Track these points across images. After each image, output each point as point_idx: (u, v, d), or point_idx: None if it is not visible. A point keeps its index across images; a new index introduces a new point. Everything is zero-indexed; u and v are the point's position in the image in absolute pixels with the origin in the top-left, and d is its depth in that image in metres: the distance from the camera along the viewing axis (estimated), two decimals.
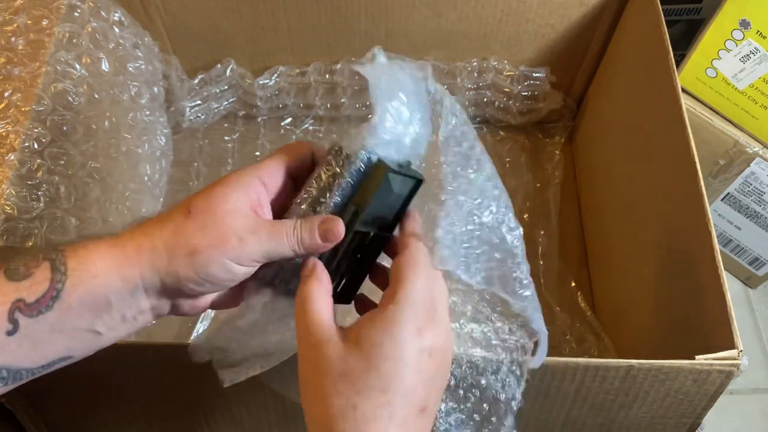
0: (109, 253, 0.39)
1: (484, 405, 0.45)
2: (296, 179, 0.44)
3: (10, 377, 0.38)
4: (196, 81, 0.88)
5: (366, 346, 0.37)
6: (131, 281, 0.39)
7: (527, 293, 0.44)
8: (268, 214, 0.42)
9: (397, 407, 0.36)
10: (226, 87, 0.89)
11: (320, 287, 0.40)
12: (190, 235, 0.39)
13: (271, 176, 0.42)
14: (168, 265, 0.39)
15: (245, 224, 0.39)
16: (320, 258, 0.42)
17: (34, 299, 0.37)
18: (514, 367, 0.45)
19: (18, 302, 0.37)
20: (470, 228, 0.44)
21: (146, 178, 0.78)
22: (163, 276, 0.39)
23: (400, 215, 0.44)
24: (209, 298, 0.44)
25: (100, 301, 0.38)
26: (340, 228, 0.41)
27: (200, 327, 0.77)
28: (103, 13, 0.71)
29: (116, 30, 0.73)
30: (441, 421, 0.44)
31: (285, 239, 0.40)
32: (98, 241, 0.39)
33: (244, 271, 0.40)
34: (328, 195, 0.41)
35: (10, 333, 0.37)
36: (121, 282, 0.39)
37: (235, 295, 0.45)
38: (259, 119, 0.95)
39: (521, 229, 0.46)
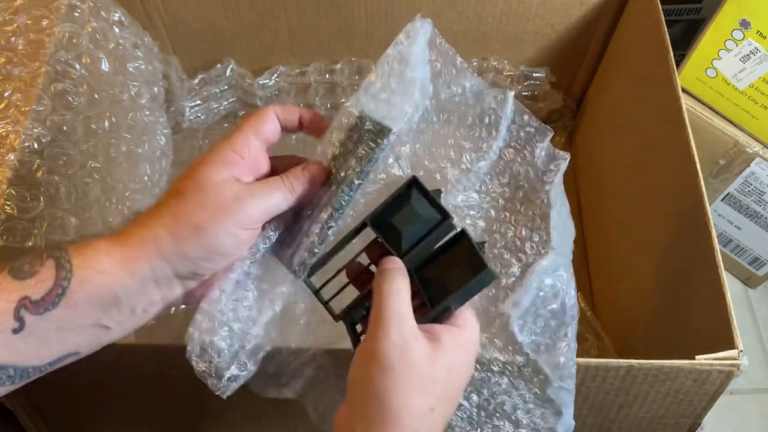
0: (113, 250, 0.39)
1: None
2: (268, 142, 0.45)
3: (17, 375, 0.38)
4: (196, 81, 0.88)
5: (452, 362, 0.40)
6: (139, 275, 0.39)
7: (568, 385, 0.45)
8: (250, 180, 0.43)
9: (451, 414, 0.41)
10: (226, 87, 0.89)
11: (406, 282, 0.41)
12: (189, 214, 0.40)
13: (243, 146, 0.43)
14: (176, 250, 0.39)
15: (237, 190, 0.41)
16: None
17: (39, 297, 0.37)
18: None
19: (24, 300, 0.37)
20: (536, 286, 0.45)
21: (146, 178, 0.78)
22: (173, 261, 0.40)
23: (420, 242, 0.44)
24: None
25: (108, 297, 0.39)
26: (320, 170, 0.44)
27: None
28: (103, 13, 0.71)
29: (116, 30, 0.73)
30: None
31: (278, 191, 0.42)
32: (100, 239, 0.40)
33: (247, 235, 0.41)
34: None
35: (16, 331, 0.37)
36: (129, 277, 0.39)
37: None
38: None
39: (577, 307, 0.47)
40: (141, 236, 0.40)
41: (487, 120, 0.49)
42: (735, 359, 0.48)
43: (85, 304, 0.38)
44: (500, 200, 0.50)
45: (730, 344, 0.48)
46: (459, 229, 0.43)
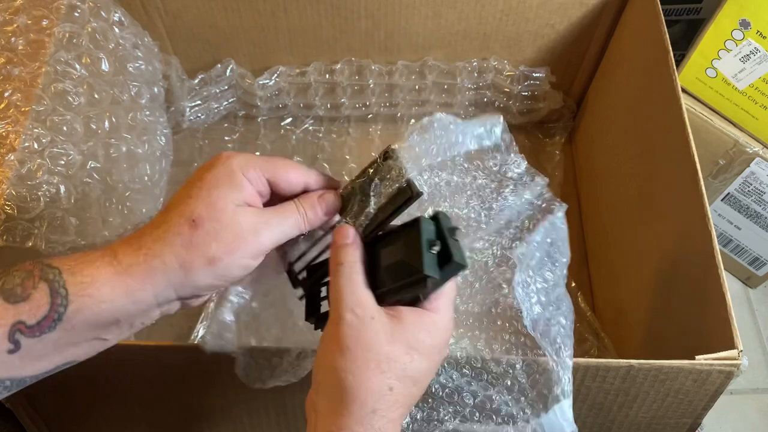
0: (116, 279, 0.38)
1: None
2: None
3: (14, 386, 0.38)
4: (196, 81, 0.88)
5: (412, 341, 0.39)
6: (143, 303, 0.39)
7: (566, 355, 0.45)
8: (260, 203, 0.43)
9: (416, 398, 0.40)
10: (226, 87, 0.89)
11: (359, 257, 0.41)
12: (204, 246, 0.39)
13: (258, 179, 0.42)
14: (185, 280, 0.39)
15: (253, 220, 0.40)
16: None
17: (35, 322, 0.37)
18: None
19: (18, 324, 0.36)
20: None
21: (146, 178, 0.78)
22: (179, 289, 0.40)
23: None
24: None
25: (108, 321, 0.39)
26: (336, 200, 0.43)
27: (200, 327, 0.77)
28: (103, 13, 0.71)
29: (116, 30, 0.73)
30: None
31: (292, 220, 0.42)
32: (97, 262, 0.38)
33: (258, 262, 0.41)
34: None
35: (11, 351, 0.36)
36: (133, 305, 0.39)
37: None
38: (259, 119, 0.95)
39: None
40: (150, 266, 0.39)
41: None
42: (735, 359, 0.48)
43: (83, 327, 0.38)
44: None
45: (730, 344, 0.48)
46: (433, 213, 0.43)
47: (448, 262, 0.40)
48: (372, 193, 0.42)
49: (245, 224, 0.40)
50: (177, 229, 0.39)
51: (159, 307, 0.40)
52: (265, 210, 0.42)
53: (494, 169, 0.48)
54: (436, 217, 0.42)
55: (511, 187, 0.48)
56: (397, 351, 0.38)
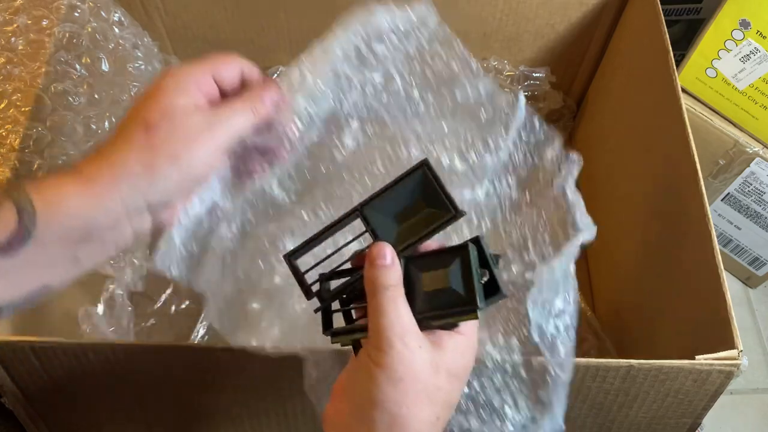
0: (82, 190, 0.39)
1: None
2: (222, 86, 0.45)
3: None
4: None
5: (452, 368, 0.39)
6: (112, 212, 0.39)
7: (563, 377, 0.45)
8: (208, 106, 0.43)
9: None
10: None
11: (401, 279, 0.40)
12: (163, 145, 0.40)
13: (201, 78, 0.44)
14: (151, 182, 0.39)
15: (203, 117, 0.41)
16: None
17: (5, 239, 0.36)
18: None
19: None
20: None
21: None
22: (147, 193, 0.40)
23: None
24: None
25: (79, 234, 0.39)
26: (277, 90, 0.45)
27: (200, 328, 0.77)
28: (103, 14, 0.71)
29: (116, 30, 0.73)
30: None
31: (241, 112, 0.43)
32: (63, 178, 0.39)
33: (217, 160, 0.42)
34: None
35: None
36: (103, 215, 0.39)
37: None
38: None
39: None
40: (113, 173, 0.39)
41: (498, 121, 0.48)
42: (735, 359, 0.48)
43: (56, 242, 0.38)
44: (507, 201, 0.50)
45: (730, 344, 0.48)
46: (473, 237, 0.41)
47: (495, 293, 0.40)
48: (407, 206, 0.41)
49: (197, 122, 0.41)
50: (134, 135, 0.40)
51: (129, 218, 0.40)
52: (216, 108, 0.43)
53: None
54: (477, 242, 0.41)
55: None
56: (442, 380, 0.39)
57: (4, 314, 0.39)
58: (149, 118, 0.40)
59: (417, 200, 0.41)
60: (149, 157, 0.39)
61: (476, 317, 0.39)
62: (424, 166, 0.41)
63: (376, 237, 0.41)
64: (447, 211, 0.40)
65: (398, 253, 0.40)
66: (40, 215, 0.37)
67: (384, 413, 0.37)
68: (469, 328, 0.41)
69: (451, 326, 0.40)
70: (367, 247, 0.41)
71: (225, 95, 0.45)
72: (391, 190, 0.41)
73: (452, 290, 0.39)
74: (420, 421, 0.38)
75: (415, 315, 0.39)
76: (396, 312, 0.38)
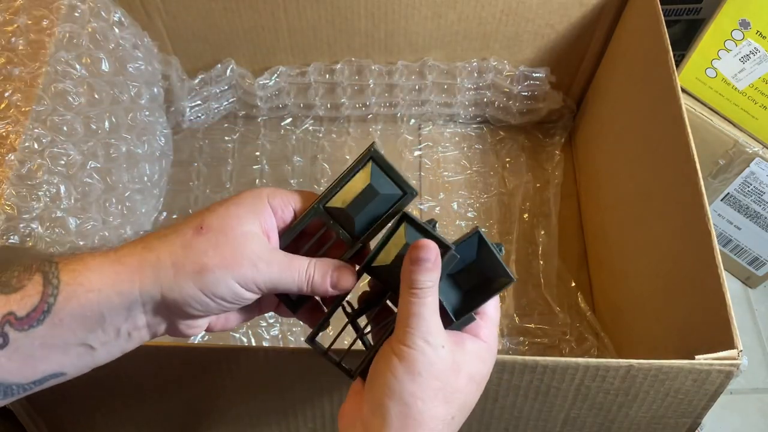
0: (106, 267, 0.38)
1: None
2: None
3: (0, 392, 0.37)
4: (196, 81, 0.88)
5: (473, 372, 0.40)
6: (128, 296, 0.38)
7: None
8: (276, 242, 0.42)
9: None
10: (226, 87, 0.89)
11: (438, 280, 0.40)
12: (201, 252, 0.38)
13: (283, 208, 0.42)
14: (173, 281, 0.38)
15: (259, 250, 0.39)
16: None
17: (24, 313, 0.36)
18: None
19: (8, 316, 0.36)
20: None
21: (146, 178, 0.78)
22: (165, 291, 0.38)
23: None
24: (206, 320, 0.42)
25: (94, 316, 0.37)
26: (351, 278, 0.42)
27: None
28: (103, 14, 0.71)
29: (116, 30, 0.73)
30: None
31: (296, 275, 0.40)
32: (94, 254, 0.38)
33: (248, 296, 0.40)
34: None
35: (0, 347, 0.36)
36: (117, 297, 0.37)
37: (229, 319, 0.44)
38: (259, 119, 0.95)
39: None
40: (142, 257, 0.38)
41: None
42: (735, 359, 0.48)
43: (71, 322, 0.37)
44: None
45: (730, 344, 0.48)
46: (474, 231, 0.43)
47: (506, 279, 0.42)
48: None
49: (248, 249, 0.39)
50: (182, 231, 0.39)
51: (144, 311, 0.38)
52: (277, 251, 0.41)
53: None
54: (479, 234, 0.43)
55: None
56: (461, 382, 0.39)
57: (15, 395, 0.38)
58: (206, 221, 0.39)
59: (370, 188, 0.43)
60: (182, 256, 0.38)
61: (512, 282, 0.42)
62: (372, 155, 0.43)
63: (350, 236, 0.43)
64: (401, 191, 0.43)
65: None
66: (61, 291, 0.37)
67: (399, 404, 0.38)
68: (491, 336, 0.42)
69: (470, 320, 0.42)
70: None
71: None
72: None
73: (488, 278, 0.43)
74: (434, 417, 0.38)
75: (452, 303, 0.42)
76: (427, 312, 0.39)
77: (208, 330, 0.43)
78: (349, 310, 0.45)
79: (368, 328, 0.46)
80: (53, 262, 0.38)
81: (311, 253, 0.43)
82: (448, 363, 0.39)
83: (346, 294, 0.44)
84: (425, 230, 0.42)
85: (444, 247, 0.41)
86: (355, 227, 0.43)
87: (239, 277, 0.38)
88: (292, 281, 0.40)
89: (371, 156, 0.42)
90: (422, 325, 0.38)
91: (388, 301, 0.45)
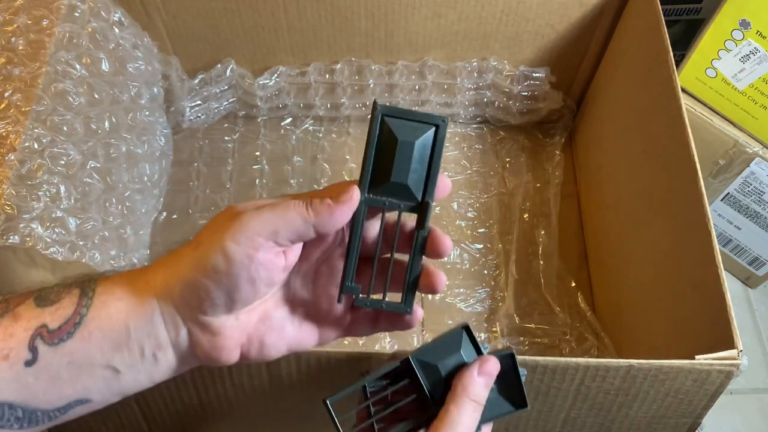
0: (135, 276, 0.38)
1: None
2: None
3: (25, 418, 0.37)
4: (196, 81, 0.88)
5: None
6: (148, 305, 0.38)
7: None
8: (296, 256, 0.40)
9: None
10: (226, 87, 0.89)
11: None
12: (196, 241, 0.38)
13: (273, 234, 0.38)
14: (175, 269, 0.37)
15: (267, 275, 0.38)
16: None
17: (57, 326, 0.36)
18: None
19: (41, 329, 0.36)
20: None
21: (146, 178, 0.78)
22: (174, 285, 0.37)
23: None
24: (232, 338, 0.40)
25: (120, 328, 0.37)
26: (354, 191, 0.38)
27: None
28: (103, 14, 0.71)
29: (116, 30, 0.73)
30: None
31: (291, 209, 0.37)
32: (132, 270, 0.39)
33: (240, 257, 0.36)
34: None
35: (28, 363, 0.36)
36: (140, 306, 0.37)
37: (264, 344, 0.41)
38: (259, 119, 0.95)
39: None
40: (149, 266, 0.39)
41: None
42: (735, 359, 0.48)
43: (99, 335, 0.37)
44: None
45: (730, 344, 0.48)
46: (508, 352, 0.43)
47: (523, 406, 0.44)
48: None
49: (242, 219, 0.37)
50: (183, 250, 0.39)
51: (164, 320, 0.38)
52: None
53: None
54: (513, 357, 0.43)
55: None
56: None
57: (40, 424, 0.37)
58: (201, 236, 0.38)
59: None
60: (177, 252, 0.38)
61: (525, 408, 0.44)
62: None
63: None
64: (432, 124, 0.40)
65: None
66: (94, 304, 0.37)
67: None
68: None
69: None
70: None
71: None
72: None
73: (511, 406, 0.44)
74: None
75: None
76: (471, 423, 0.41)
77: (243, 359, 0.41)
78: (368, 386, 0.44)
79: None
80: (94, 279, 0.38)
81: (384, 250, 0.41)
82: None
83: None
84: (480, 350, 0.43)
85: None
86: (412, 191, 0.39)
87: (228, 234, 0.36)
88: (291, 217, 0.37)
89: (381, 114, 0.38)
90: None
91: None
